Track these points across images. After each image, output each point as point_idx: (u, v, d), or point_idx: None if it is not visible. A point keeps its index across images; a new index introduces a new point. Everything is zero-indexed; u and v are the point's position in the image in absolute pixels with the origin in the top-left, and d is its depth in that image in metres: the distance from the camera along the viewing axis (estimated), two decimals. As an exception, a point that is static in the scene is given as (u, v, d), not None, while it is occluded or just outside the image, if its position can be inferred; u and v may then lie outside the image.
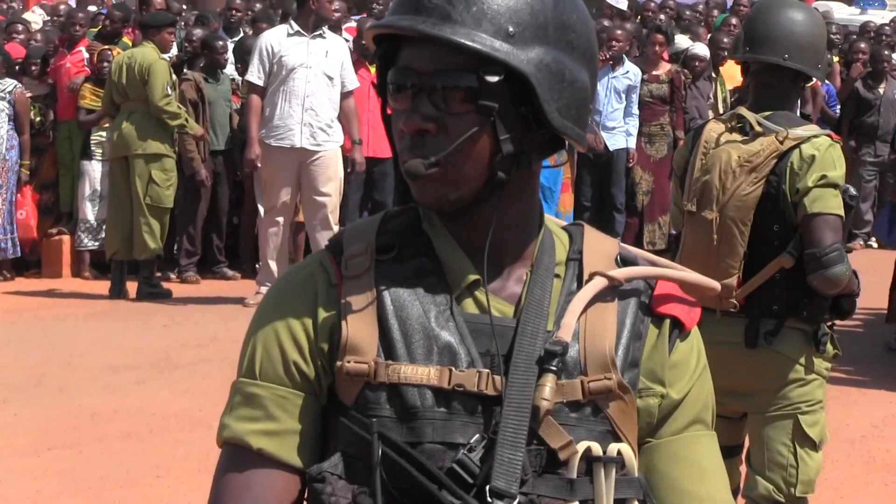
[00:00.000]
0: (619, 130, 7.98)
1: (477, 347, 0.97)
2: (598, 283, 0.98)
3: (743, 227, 2.58)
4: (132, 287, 6.88)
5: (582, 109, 0.99)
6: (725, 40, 7.99)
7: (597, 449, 0.95)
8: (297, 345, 1.00)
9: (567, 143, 1.04)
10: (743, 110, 2.66)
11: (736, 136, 2.63)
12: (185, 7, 9.97)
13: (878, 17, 12.93)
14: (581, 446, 0.95)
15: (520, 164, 0.98)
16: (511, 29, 0.94)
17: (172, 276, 7.31)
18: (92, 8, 9.77)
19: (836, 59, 8.59)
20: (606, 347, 0.98)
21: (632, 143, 8.02)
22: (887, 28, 10.26)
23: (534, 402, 0.93)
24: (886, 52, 8.81)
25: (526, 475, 0.94)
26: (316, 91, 6.40)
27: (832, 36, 8.48)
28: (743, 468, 2.78)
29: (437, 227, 1.02)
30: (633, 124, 8.04)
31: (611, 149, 7.89)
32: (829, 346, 2.64)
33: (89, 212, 7.36)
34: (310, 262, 1.08)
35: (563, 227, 1.07)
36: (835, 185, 2.56)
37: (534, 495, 0.94)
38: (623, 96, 7.98)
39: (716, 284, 1.12)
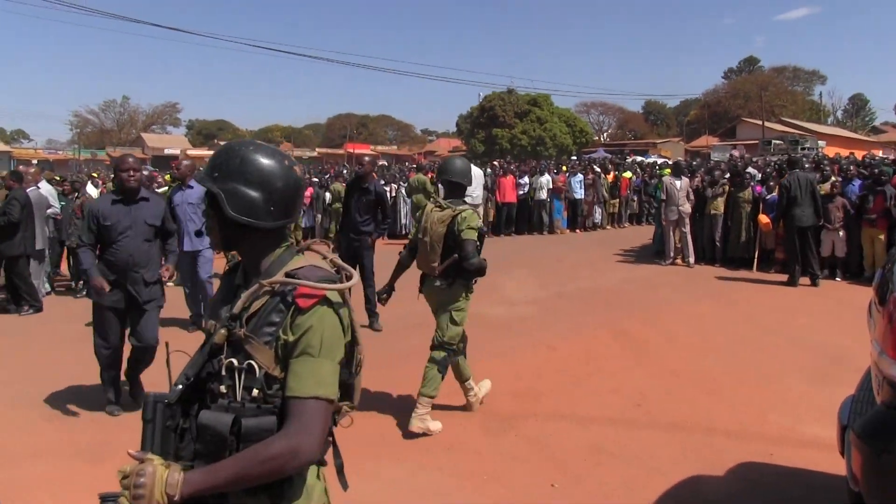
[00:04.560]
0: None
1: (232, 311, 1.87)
2: (257, 286, 1.84)
3: (438, 244, 5.41)
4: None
5: (252, 210, 1.88)
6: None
7: (236, 363, 1.81)
8: None
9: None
10: (441, 200, 5.57)
11: (437, 210, 5.52)
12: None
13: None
14: (227, 361, 1.82)
15: (240, 233, 1.90)
16: (215, 174, 1.89)
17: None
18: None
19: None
20: (246, 318, 1.83)
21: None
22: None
23: (214, 339, 1.84)
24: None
25: (203, 372, 1.86)
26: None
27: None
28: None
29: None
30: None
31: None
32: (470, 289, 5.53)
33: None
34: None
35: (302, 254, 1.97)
36: (473, 228, 5.33)
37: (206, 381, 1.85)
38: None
39: (323, 290, 1.83)
